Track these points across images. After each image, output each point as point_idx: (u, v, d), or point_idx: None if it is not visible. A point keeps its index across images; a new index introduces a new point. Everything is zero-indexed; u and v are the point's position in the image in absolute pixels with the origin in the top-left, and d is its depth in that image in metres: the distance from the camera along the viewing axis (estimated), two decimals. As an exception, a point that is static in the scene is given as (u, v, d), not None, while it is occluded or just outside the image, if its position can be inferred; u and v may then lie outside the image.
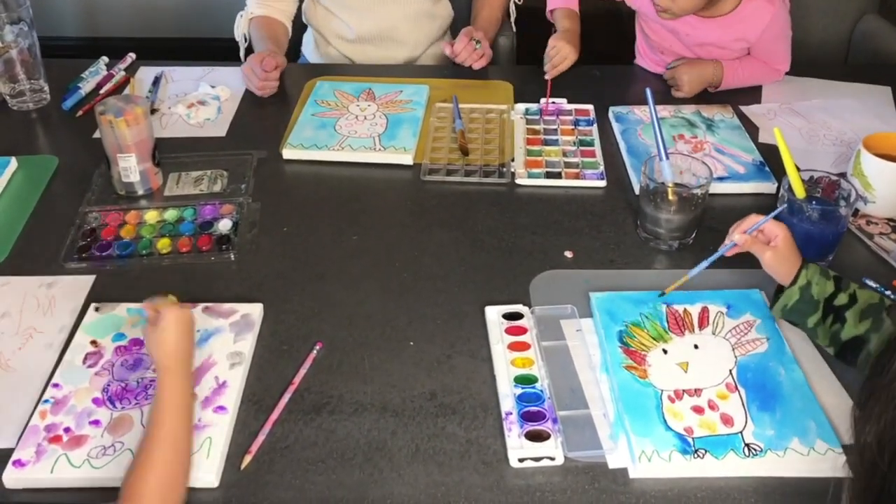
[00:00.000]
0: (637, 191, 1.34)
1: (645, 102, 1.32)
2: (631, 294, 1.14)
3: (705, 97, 1.63)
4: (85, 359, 1.06)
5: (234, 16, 1.78)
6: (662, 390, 1.01)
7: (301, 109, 1.57)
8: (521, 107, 1.59)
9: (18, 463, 0.93)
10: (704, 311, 1.12)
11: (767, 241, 1.07)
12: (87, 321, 1.11)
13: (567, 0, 1.70)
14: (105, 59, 1.73)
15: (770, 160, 1.42)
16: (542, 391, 1.02)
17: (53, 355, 1.07)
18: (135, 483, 0.84)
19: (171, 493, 0.86)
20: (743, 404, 1.00)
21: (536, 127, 1.54)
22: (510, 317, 1.12)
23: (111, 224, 1.29)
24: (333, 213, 1.33)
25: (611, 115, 1.58)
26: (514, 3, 1.89)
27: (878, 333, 0.98)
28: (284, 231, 1.29)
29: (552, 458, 0.94)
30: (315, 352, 1.08)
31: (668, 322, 1.10)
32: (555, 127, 1.54)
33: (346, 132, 1.50)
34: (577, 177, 1.41)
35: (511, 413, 0.99)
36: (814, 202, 1.21)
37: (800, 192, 1.20)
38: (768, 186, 1.38)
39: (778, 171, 1.36)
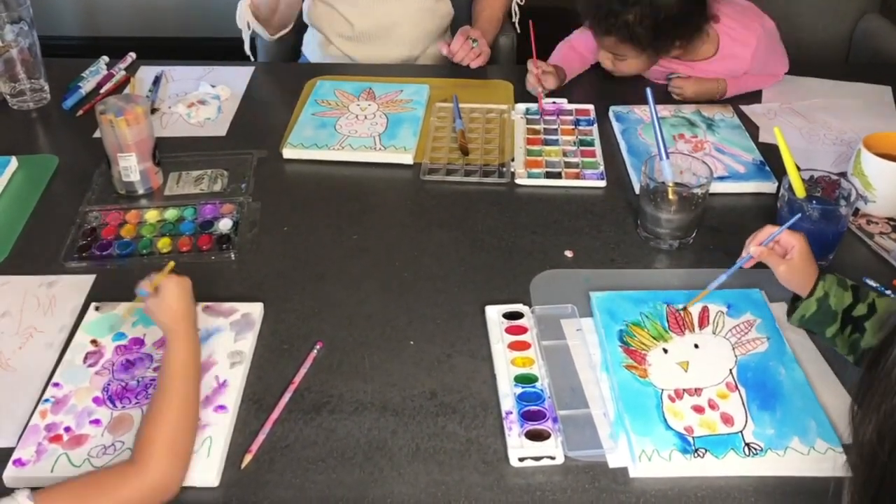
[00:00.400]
0: (637, 190, 1.34)
1: (645, 102, 1.32)
2: (631, 293, 1.14)
3: (706, 98, 1.63)
4: (85, 358, 1.06)
5: (234, 16, 1.77)
6: (663, 390, 1.01)
7: (301, 109, 1.57)
8: (522, 106, 1.59)
9: (19, 462, 0.93)
10: (705, 310, 1.12)
11: (784, 252, 1.05)
12: (88, 320, 1.11)
13: (563, 59, 1.68)
14: (105, 58, 1.73)
15: (770, 160, 1.42)
16: (542, 390, 1.02)
17: (54, 355, 1.07)
18: (146, 437, 0.89)
19: (181, 446, 0.90)
20: (743, 404, 1.00)
21: (536, 127, 1.54)
22: (510, 316, 1.12)
23: (111, 223, 1.29)
24: (333, 212, 1.33)
25: (611, 114, 1.58)
26: (517, 3, 1.89)
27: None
28: (285, 230, 1.29)
29: (552, 458, 0.94)
30: (315, 351, 1.08)
31: (668, 321, 1.10)
32: (555, 127, 1.54)
33: (347, 132, 1.50)
34: (577, 177, 1.41)
35: (511, 412, 0.99)
36: (814, 202, 1.21)
37: (800, 191, 1.21)
38: (768, 186, 1.38)
39: (778, 171, 1.36)
